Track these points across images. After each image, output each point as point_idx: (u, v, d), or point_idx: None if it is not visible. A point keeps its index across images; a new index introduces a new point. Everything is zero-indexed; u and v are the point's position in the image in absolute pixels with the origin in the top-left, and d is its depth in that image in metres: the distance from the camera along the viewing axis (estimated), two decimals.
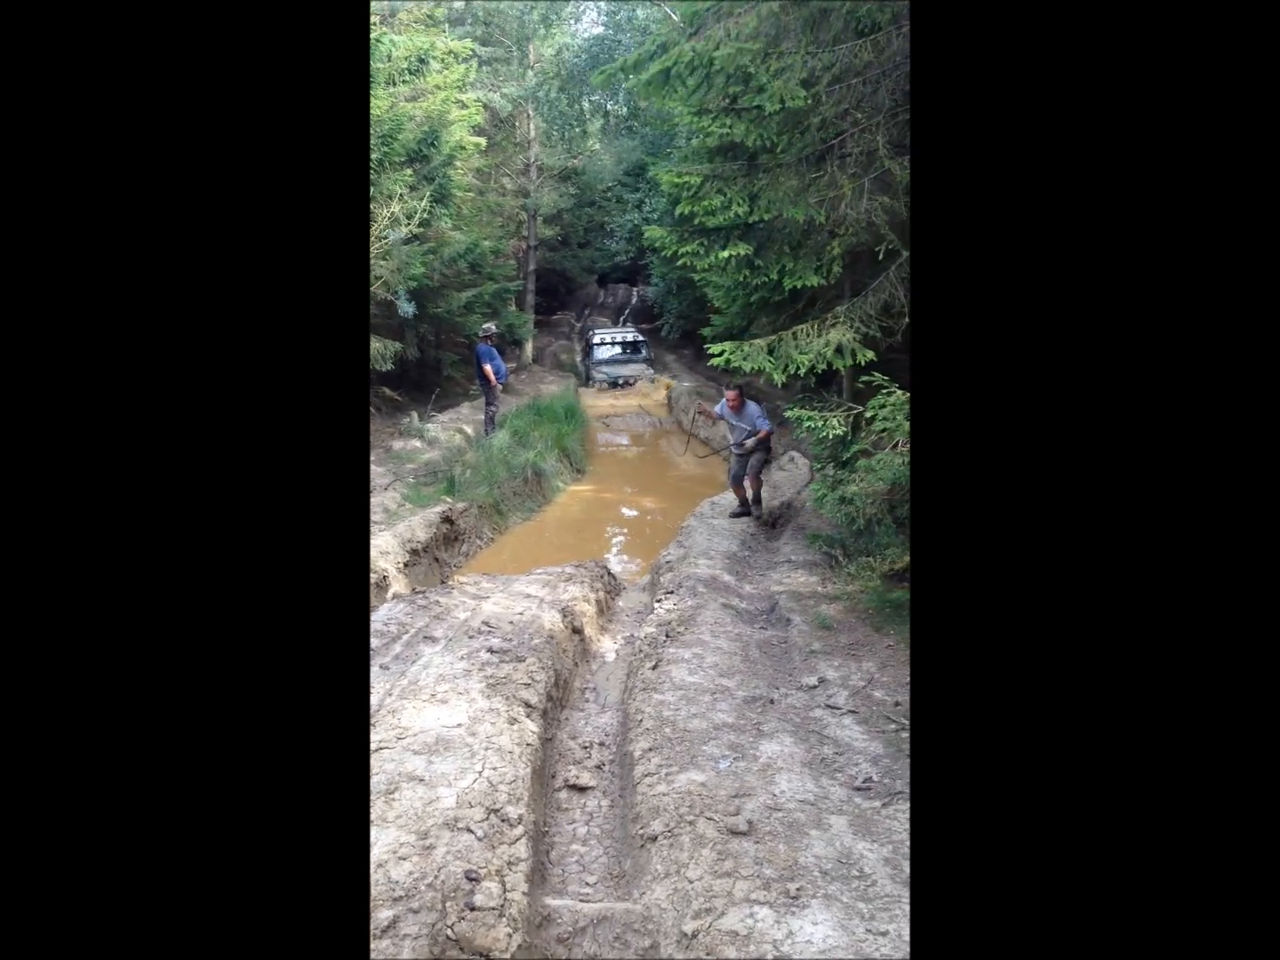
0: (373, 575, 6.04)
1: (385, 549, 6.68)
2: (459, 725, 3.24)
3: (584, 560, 7.15)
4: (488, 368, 11.86)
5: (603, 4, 15.82)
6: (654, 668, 4.00)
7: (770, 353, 4.77)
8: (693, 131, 10.17)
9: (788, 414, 5.17)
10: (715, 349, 4.89)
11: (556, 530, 10.01)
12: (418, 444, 11.50)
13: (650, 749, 3.18)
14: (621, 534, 9.91)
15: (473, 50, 15.14)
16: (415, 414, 12.57)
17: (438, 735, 3.16)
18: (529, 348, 19.34)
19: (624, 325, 26.53)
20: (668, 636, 4.43)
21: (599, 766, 3.48)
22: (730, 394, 7.63)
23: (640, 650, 4.42)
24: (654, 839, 2.65)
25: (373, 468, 10.15)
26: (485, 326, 12.52)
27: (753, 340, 4.82)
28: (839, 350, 4.77)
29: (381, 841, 2.51)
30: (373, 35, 10.45)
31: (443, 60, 13.72)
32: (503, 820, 2.64)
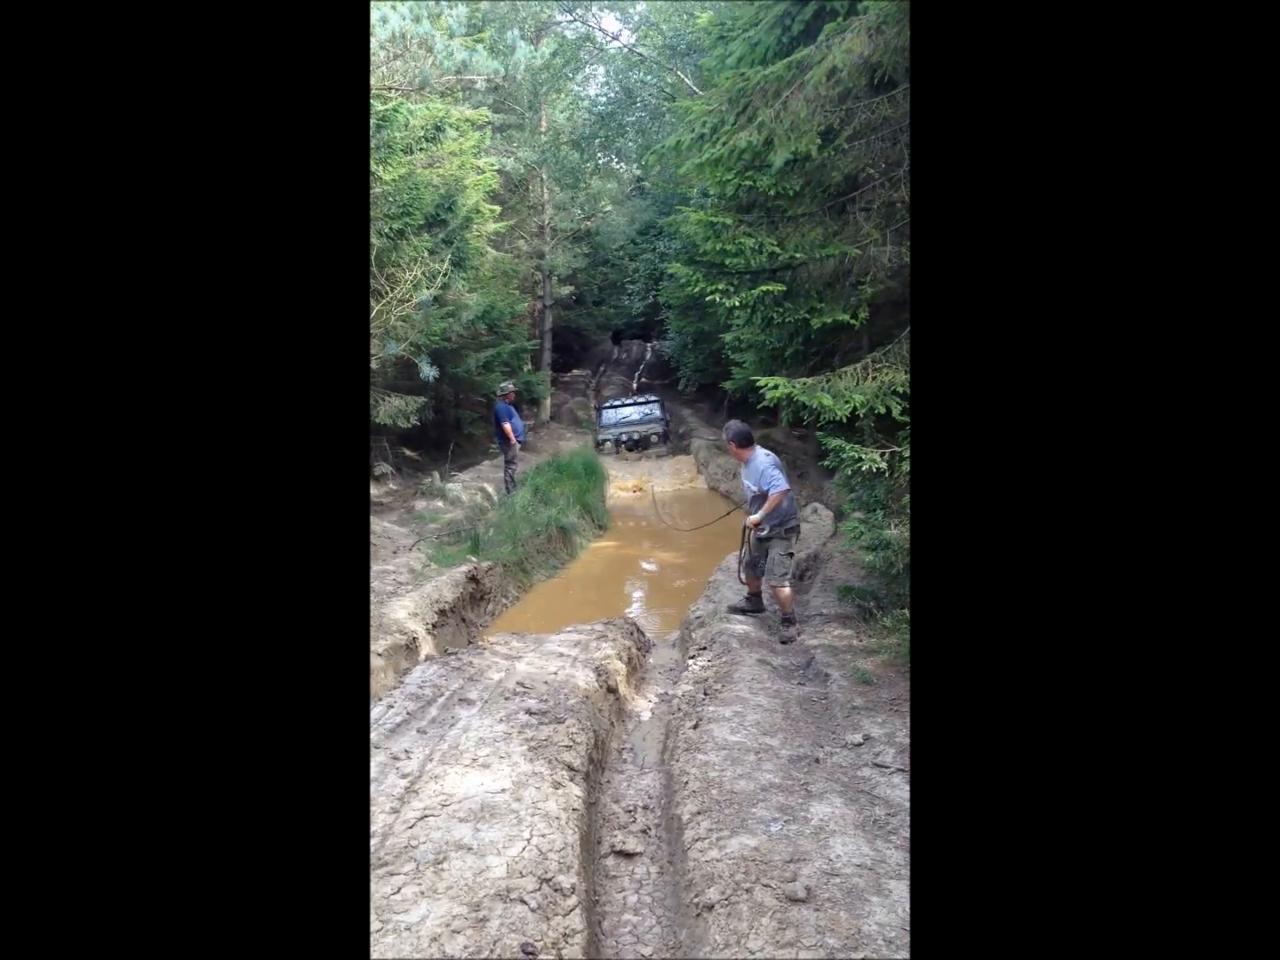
0: (402, 637, 6.01)
1: (414, 610, 6.65)
2: (503, 790, 3.19)
3: (613, 618, 7.10)
4: (507, 426, 11.94)
5: (613, 66, 16.17)
6: (695, 727, 3.94)
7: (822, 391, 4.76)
8: (705, 189, 10.34)
9: (828, 443, 5.13)
10: (766, 382, 4.87)
11: (581, 587, 9.96)
12: (440, 504, 11.54)
13: (699, 812, 3.11)
14: (647, 590, 9.85)
15: (488, 119, 15.56)
16: (437, 473, 12.65)
17: (482, 801, 3.10)
18: (546, 405, 19.48)
19: (639, 382, 26.61)
20: (706, 694, 4.37)
21: (645, 831, 3.41)
22: (729, 440, 5.72)
23: (679, 709, 4.36)
24: (710, 908, 2.58)
25: (395, 528, 10.19)
26: (504, 385, 12.62)
27: (803, 380, 4.82)
28: (897, 393, 4.76)
29: (434, 914, 2.45)
30: (390, 105, 10.75)
31: (458, 127, 14.05)
32: (555, 890, 2.58)
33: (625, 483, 15.45)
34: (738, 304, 5.56)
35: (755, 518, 5.63)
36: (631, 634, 6.68)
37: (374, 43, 6.38)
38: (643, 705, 5.29)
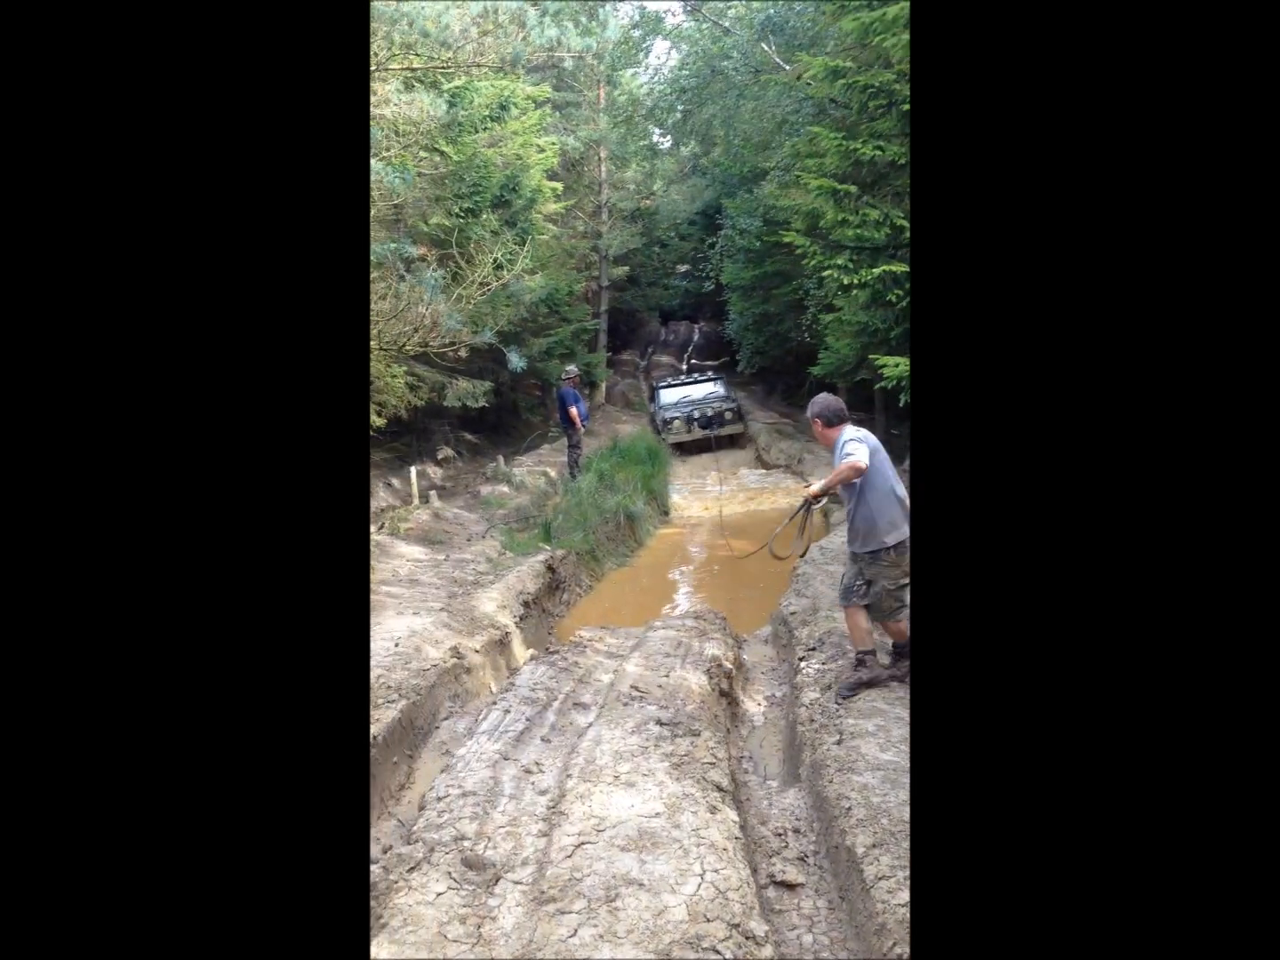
0: (495, 632, 5.83)
1: (501, 603, 6.47)
2: (657, 815, 2.97)
3: (702, 611, 6.86)
4: (573, 410, 11.70)
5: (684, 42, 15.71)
6: (839, 742, 3.68)
7: None
8: (789, 162, 9.98)
9: None
10: (885, 362, 4.57)
11: (652, 576, 9.75)
12: (505, 489, 11.37)
13: (874, 845, 2.86)
14: (723, 581, 9.58)
15: (548, 96, 15.27)
16: (501, 458, 12.47)
17: (639, 827, 2.88)
18: (602, 389, 19.26)
19: (688, 363, 26.09)
20: (840, 704, 4.12)
21: (802, 858, 3.17)
22: (814, 417, 4.36)
23: (810, 719, 4.11)
24: None
25: (465, 514, 10.05)
26: (569, 369, 12.39)
27: None
28: None
29: None
30: (459, 83, 10.52)
31: (520, 105, 13.77)
32: (748, 938, 2.35)
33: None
34: (856, 282, 5.24)
35: (815, 488, 4.39)
36: (723, 629, 6.45)
37: (466, 18, 6.12)
38: (753, 708, 5.05)
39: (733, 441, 15.63)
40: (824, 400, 4.38)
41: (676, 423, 15.21)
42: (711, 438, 14.88)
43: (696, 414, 15.13)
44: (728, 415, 15.19)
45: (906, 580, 4.13)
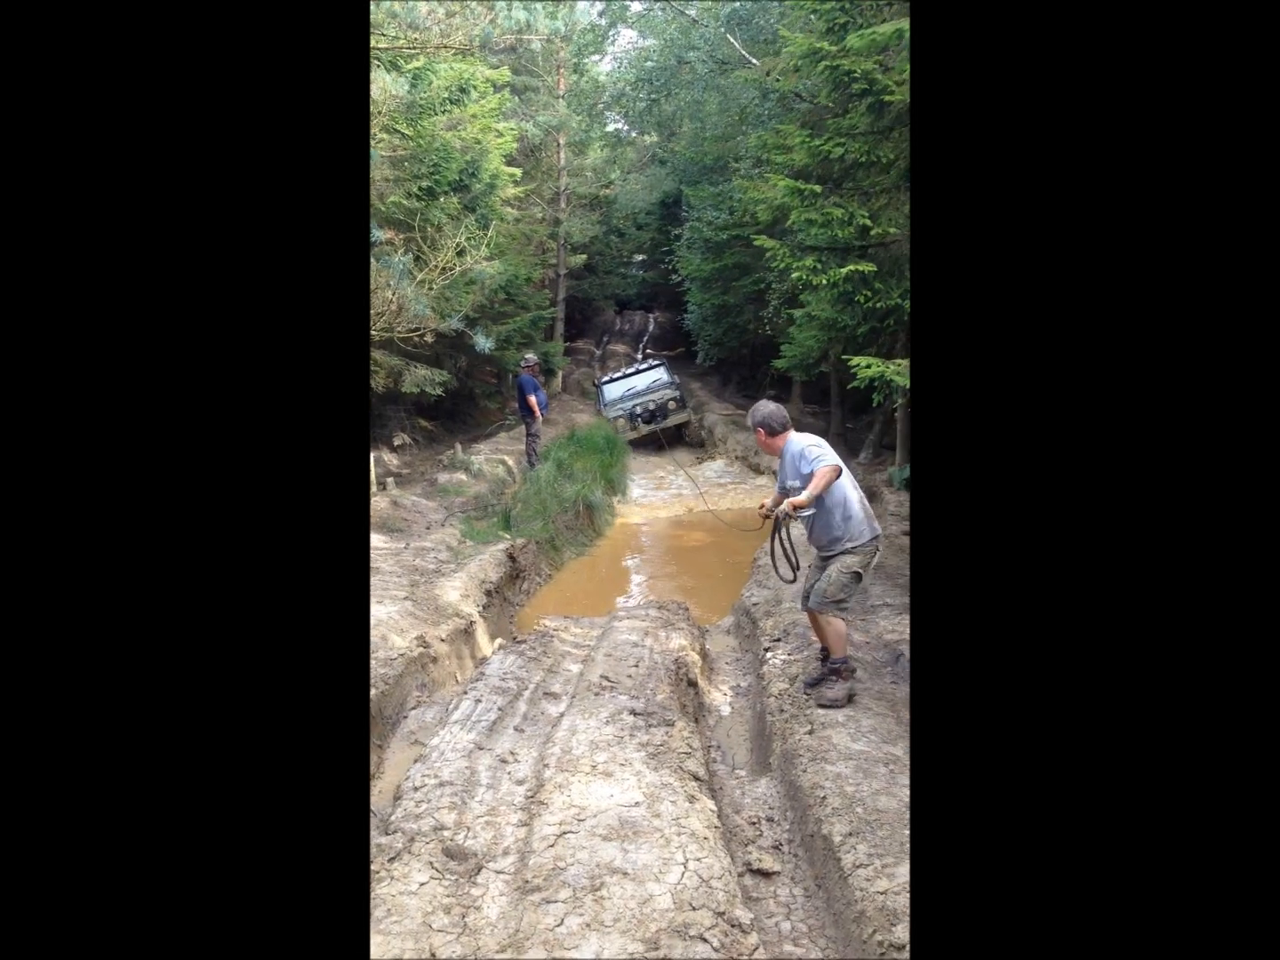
0: (460, 621, 5.80)
1: (465, 591, 6.43)
2: (637, 804, 2.99)
3: (665, 601, 6.89)
4: (532, 399, 11.62)
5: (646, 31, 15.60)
6: (811, 733, 3.74)
7: None
8: (758, 154, 10.01)
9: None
10: (858, 362, 4.62)
11: (612, 566, 9.76)
12: (462, 476, 11.27)
13: (850, 834, 2.91)
14: (682, 571, 9.62)
15: (508, 80, 15.09)
16: (458, 446, 12.36)
17: (619, 817, 2.90)
18: (560, 376, 19.16)
19: (644, 353, 25.93)
20: (807, 694, 4.17)
21: (777, 847, 3.21)
22: (756, 426, 4.25)
23: (780, 709, 4.16)
24: (900, 949, 2.38)
25: (424, 501, 9.95)
26: (528, 357, 12.30)
27: (898, 361, 4.61)
28: None
29: (609, 951, 2.25)
30: (418, 64, 10.36)
31: (479, 89, 13.58)
32: (734, 926, 2.38)
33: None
34: (825, 282, 5.28)
35: (799, 498, 3.93)
36: (687, 619, 6.48)
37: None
38: (719, 699, 5.09)
39: (680, 434, 15.14)
40: (766, 408, 4.30)
41: (620, 422, 14.42)
42: (659, 432, 14.30)
43: (639, 409, 14.51)
44: (671, 405, 14.55)
45: (859, 571, 4.11)
